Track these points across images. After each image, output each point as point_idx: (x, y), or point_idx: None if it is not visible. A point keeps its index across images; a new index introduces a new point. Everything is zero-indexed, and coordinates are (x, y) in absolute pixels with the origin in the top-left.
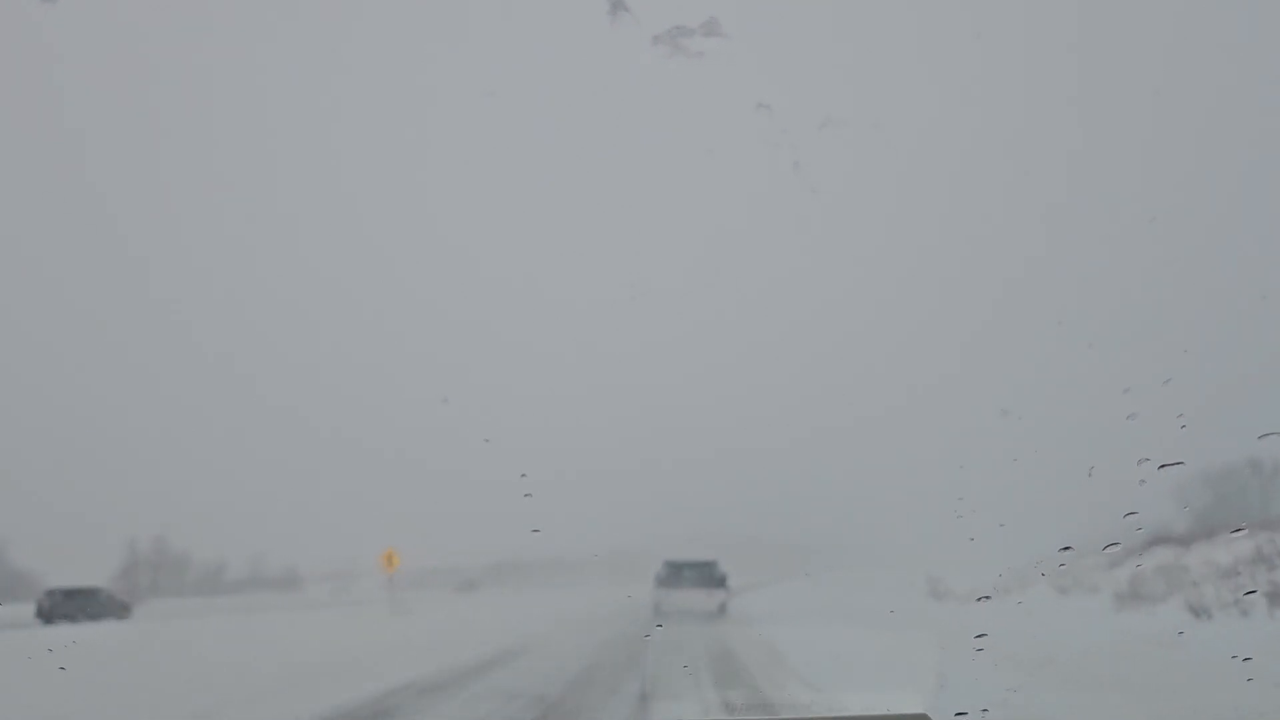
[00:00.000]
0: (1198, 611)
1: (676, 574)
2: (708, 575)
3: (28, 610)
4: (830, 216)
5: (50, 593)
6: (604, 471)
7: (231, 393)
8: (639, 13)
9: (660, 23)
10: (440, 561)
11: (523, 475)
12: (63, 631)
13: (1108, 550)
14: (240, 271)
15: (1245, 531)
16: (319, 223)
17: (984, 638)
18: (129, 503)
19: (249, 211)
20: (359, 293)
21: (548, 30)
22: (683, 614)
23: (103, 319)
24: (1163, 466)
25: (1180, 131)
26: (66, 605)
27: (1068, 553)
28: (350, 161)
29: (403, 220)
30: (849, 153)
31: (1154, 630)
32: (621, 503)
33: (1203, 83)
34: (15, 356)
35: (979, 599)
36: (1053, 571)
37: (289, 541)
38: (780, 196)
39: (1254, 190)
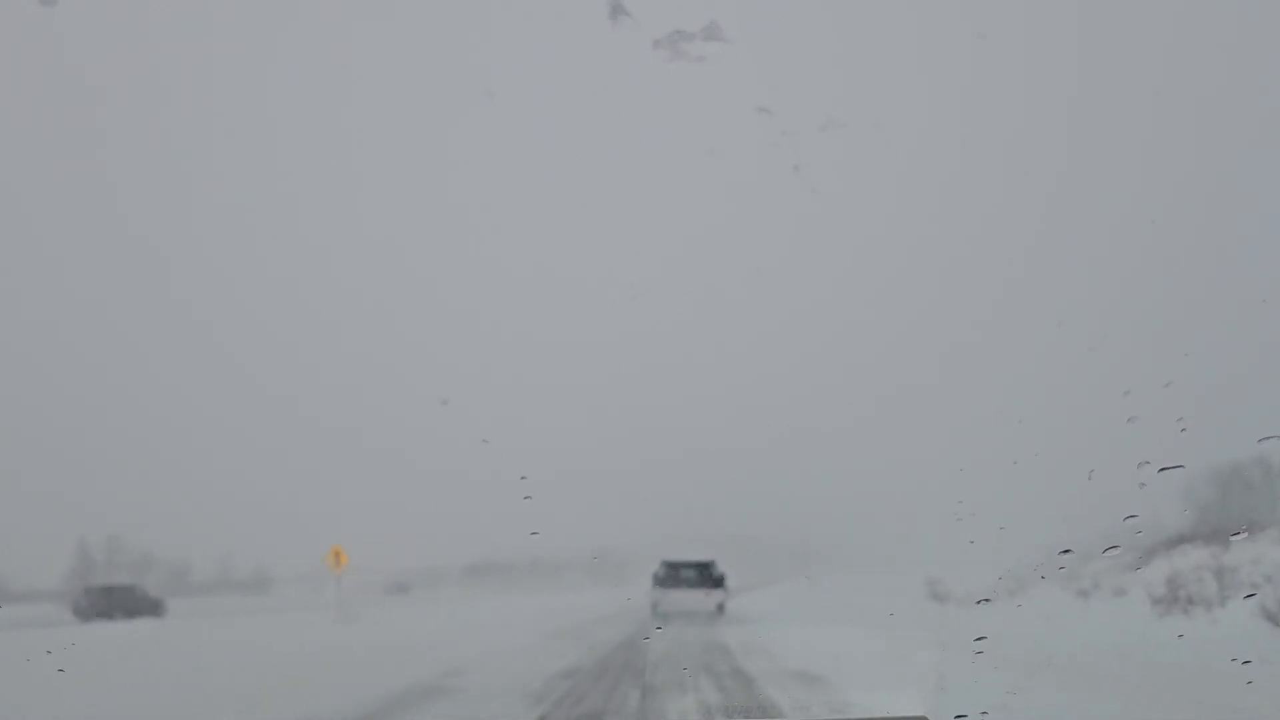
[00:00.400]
0: (1277, 619)
1: (674, 574)
2: (706, 575)
3: (31, 610)
4: (830, 217)
5: (87, 590)
6: (599, 472)
7: (196, 385)
8: (639, 16)
9: (661, 27)
10: (418, 561)
11: (523, 478)
12: (103, 629)
13: (1108, 553)
14: (224, 266)
15: (1245, 534)
16: (316, 220)
17: (1001, 644)
18: (98, 502)
19: (246, 209)
20: (347, 288)
21: (548, 33)
22: (681, 615)
23: (90, 312)
24: (1163, 469)
25: (1180, 134)
26: (103, 603)
27: (1075, 554)
28: (350, 161)
29: (400, 218)
30: (849, 154)
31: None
32: (616, 503)
33: (1203, 86)
34: None
35: (979, 601)
36: (1056, 573)
37: (261, 541)
38: (780, 198)
39: (1254, 193)
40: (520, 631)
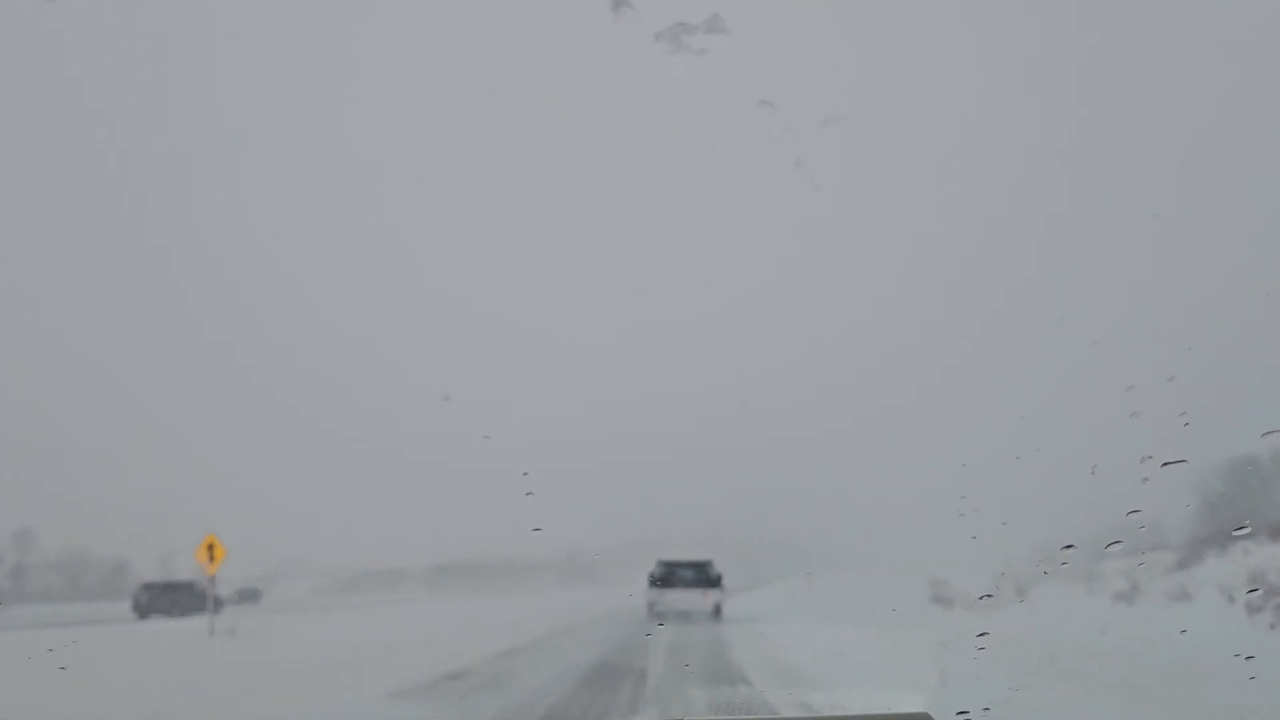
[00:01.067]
0: None
1: (671, 573)
2: (703, 575)
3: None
4: (832, 213)
5: (147, 586)
6: (588, 471)
7: (156, 378)
8: (641, 9)
9: (662, 19)
10: (380, 562)
11: (525, 474)
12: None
13: (1111, 548)
14: (215, 266)
15: (1248, 530)
16: (315, 218)
17: (985, 641)
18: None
19: (244, 207)
20: (332, 281)
21: (550, 27)
22: (678, 615)
23: (103, 310)
24: (1166, 465)
25: (1183, 129)
26: (162, 599)
27: (1087, 552)
28: (354, 159)
29: (400, 215)
30: (851, 149)
31: None
32: (601, 504)
33: (1205, 82)
34: None
35: (980, 597)
36: (1074, 574)
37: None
38: (782, 193)
39: (1256, 187)
40: (424, 664)
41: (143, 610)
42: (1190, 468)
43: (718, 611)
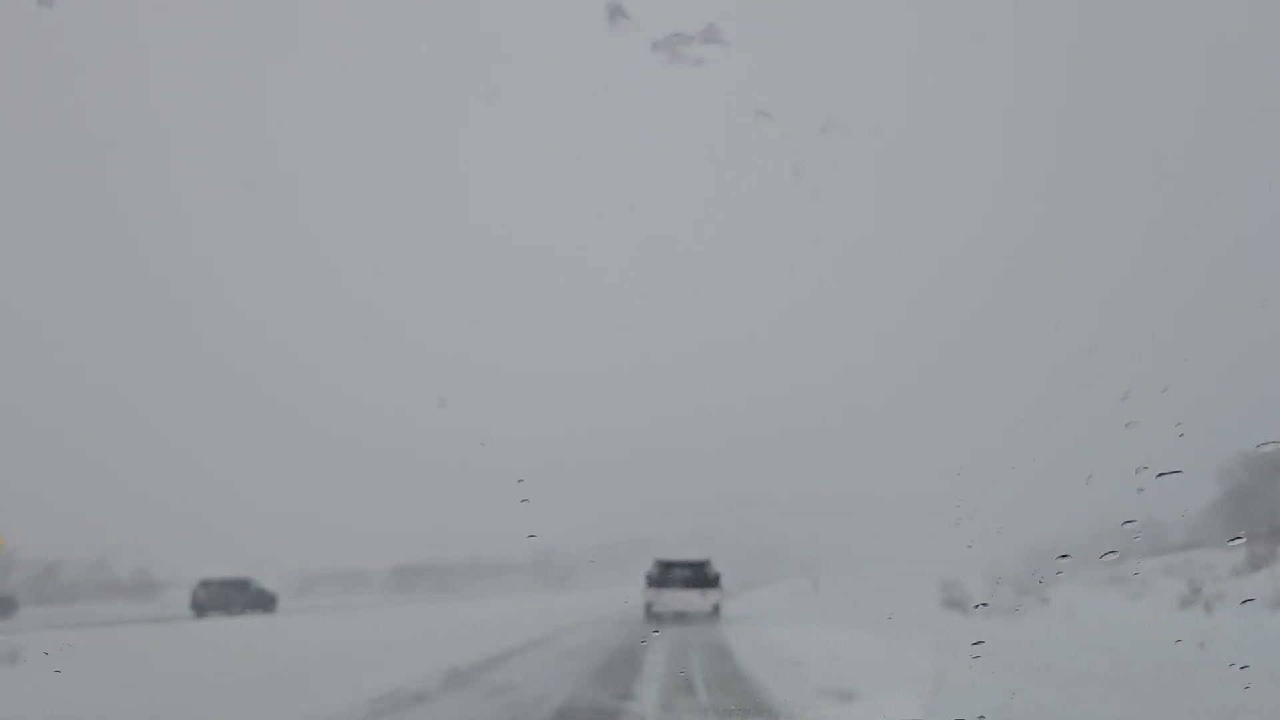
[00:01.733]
0: None
1: (668, 573)
2: (701, 575)
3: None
4: (830, 221)
5: (205, 584)
6: (589, 470)
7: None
8: (638, 19)
9: (659, 29)
10: (342, 562)
11: (520, 480)
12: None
13: (1106, 558)
14: (210, 267)
15: (1244, 539)
16: (315, 219)
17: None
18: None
19: (243, 207)
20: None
21: (547, 36)
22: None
23: (97, 309)
24: (1161, 474)
25: (1181, 138)
26: (220, 597)
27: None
28: (351, 164)
29: (398, 220)
30: (849, 157)
31: None
32: (604, 502)
33: (1202, 89)
34: None
35: (978, 605)
36: (1103, 578)
37: (162, 541)
38: (780, 201)
39: (1254, 197)
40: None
41: (201, 608)
42: (1197, 469)
43: (716, 612)
